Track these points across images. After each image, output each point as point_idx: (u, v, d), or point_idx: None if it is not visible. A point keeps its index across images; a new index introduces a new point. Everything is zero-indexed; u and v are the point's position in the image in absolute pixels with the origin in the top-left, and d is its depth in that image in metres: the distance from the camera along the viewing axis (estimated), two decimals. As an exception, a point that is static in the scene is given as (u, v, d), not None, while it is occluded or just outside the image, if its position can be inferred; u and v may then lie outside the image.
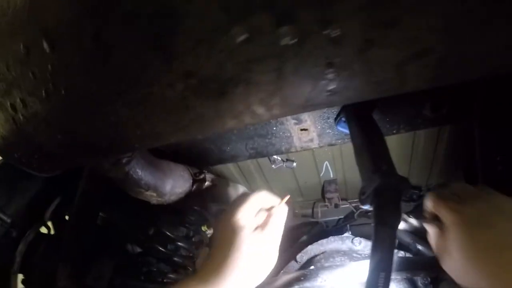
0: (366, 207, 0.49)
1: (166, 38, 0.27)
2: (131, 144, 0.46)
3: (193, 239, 0.88)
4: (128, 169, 0.60)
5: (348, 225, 0.85)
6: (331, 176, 0.94)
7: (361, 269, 0.51)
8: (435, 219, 0.47)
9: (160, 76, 0.30)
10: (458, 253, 0.42)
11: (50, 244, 0.72)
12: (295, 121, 0.69)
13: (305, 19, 0.23)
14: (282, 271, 0.65)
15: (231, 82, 0.28)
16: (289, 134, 0.71)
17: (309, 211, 0.95)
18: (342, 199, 0.90)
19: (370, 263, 0.43)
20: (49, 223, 0.76)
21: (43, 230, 0.74)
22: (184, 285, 0.46)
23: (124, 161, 0.59)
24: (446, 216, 0.44)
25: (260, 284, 0.49)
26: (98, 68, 0.32)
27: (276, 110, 0.32)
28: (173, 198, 0.68)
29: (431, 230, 0.48)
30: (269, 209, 0.53)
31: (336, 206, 0.89)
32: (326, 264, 0.59)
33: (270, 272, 0.63)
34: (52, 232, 0.76)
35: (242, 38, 0.24)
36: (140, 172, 0.62)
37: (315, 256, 0.64)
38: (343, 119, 0.66)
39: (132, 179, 0.62)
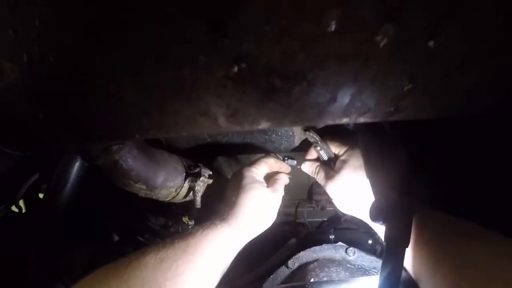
0: (378, 223, 0.47)
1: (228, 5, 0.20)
2: (130, 133, 0.40)
3: (171, 229, 0.82)
4: (118, 158, 0.53)
5: (332, 229, 0.84)
6: (321, 177, 0.91)
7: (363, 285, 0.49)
8: None
9: (200, 54, 0.24)
10: None
11: (21, 224, 0.63)
12: (300, 120, 0.65)
13: (412, 22, 0.19)
14: (272, 276, 0.62)
15: (292, 78, 0.23)
16: (291, 133, 0.67)
17: (292, 210, 0.93)
18: (329, 202, 0.88)
19: (380, 281, 0.43)
20: (21, 202, 0.67)
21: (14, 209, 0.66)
22: (210, 224, 0.52)
23: (114, 148, 0.51)
24: None
25: None
26: (112, 29, 0.24)
27: (328, 119, 0.28)
28: (164, 192, 0.62)
29: None
30: (275, 173, 0.65)
31: (323, 208, 0.87)
32: (322, 275, 0.57)
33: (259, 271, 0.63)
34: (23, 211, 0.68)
35: (333, 27, 0.19)
36: (131, 162, 0.54)
37: (308, 263, 0.62)
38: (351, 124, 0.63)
39: (122, 169, 0.54)
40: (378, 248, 0.78)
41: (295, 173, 0.88)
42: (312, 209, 0.88)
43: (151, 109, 0.31)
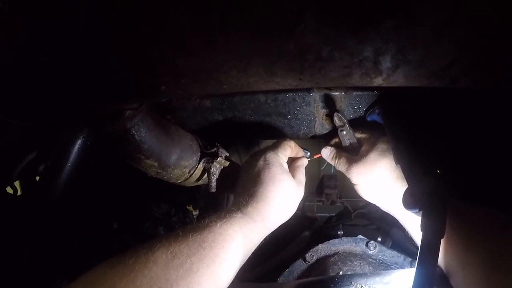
0: (413, 211, 0.44)
1: None
2: (157, 87, 0.35)
3: (173, 219, 0.77)
4: (130, 126, 0.47)
5: (341, 224, 0.81)
6: (331, 171, 0.89)
7: (395, 279, 0.46)
8: None
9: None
10: None
11: (14, 208, 0.57)
12: (323, 104, 0.62)
13: None
14: (287, 270, 0.58)
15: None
16: (312, 118, 0.63)
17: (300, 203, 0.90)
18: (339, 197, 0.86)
19: (416, 272, 0.41)
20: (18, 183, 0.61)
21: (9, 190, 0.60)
22: (229, 217, 0.47)
23: (127, 114, 0.46)
24: None
25: None
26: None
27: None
28: (176, 172, 0.56)
29: None
30: (295, 158, 0.61)
31: (333, 203, 0.84)
32: (345, 268, 0.53)
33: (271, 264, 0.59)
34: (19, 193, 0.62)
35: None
36: (144, 133, 0.49)
37: (327, 256, 0.58)
38: (377, 111, 0.60)
39: (133, 140, 0.48)
40: (388, 245, 0.75)
41: (308, 164, 0.85)
42: (321, 203, 0.85)
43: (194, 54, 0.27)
